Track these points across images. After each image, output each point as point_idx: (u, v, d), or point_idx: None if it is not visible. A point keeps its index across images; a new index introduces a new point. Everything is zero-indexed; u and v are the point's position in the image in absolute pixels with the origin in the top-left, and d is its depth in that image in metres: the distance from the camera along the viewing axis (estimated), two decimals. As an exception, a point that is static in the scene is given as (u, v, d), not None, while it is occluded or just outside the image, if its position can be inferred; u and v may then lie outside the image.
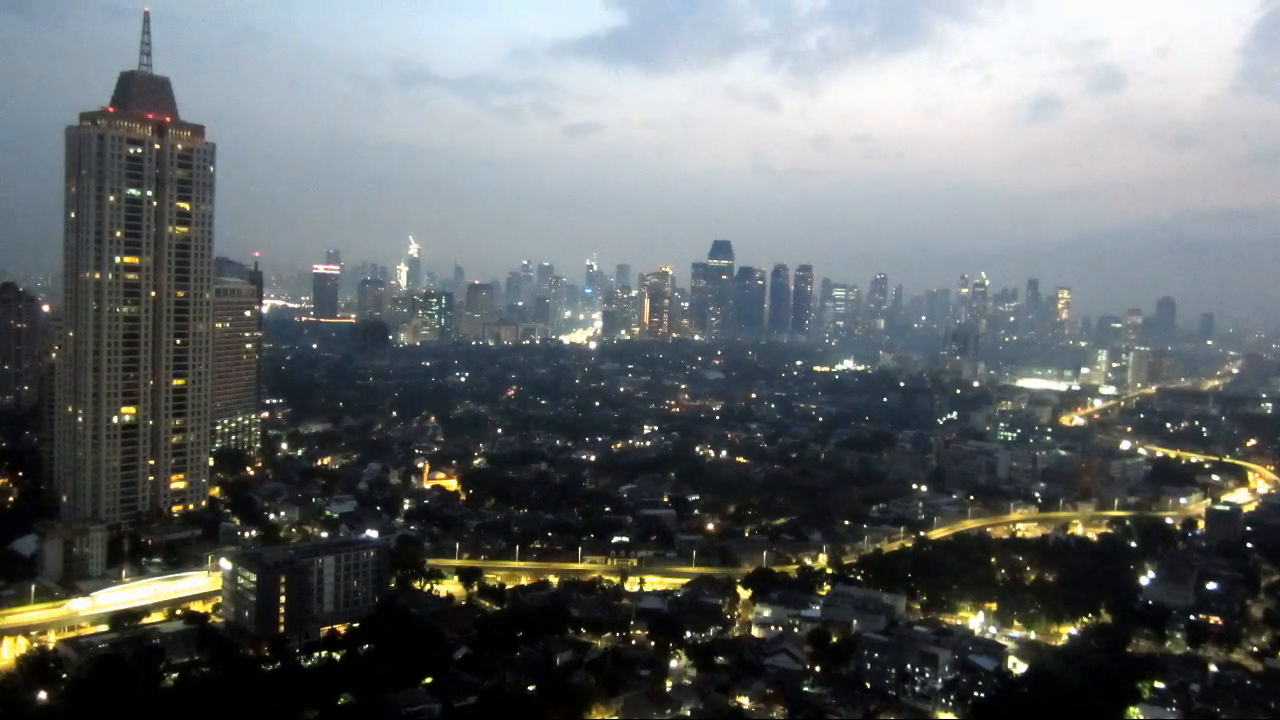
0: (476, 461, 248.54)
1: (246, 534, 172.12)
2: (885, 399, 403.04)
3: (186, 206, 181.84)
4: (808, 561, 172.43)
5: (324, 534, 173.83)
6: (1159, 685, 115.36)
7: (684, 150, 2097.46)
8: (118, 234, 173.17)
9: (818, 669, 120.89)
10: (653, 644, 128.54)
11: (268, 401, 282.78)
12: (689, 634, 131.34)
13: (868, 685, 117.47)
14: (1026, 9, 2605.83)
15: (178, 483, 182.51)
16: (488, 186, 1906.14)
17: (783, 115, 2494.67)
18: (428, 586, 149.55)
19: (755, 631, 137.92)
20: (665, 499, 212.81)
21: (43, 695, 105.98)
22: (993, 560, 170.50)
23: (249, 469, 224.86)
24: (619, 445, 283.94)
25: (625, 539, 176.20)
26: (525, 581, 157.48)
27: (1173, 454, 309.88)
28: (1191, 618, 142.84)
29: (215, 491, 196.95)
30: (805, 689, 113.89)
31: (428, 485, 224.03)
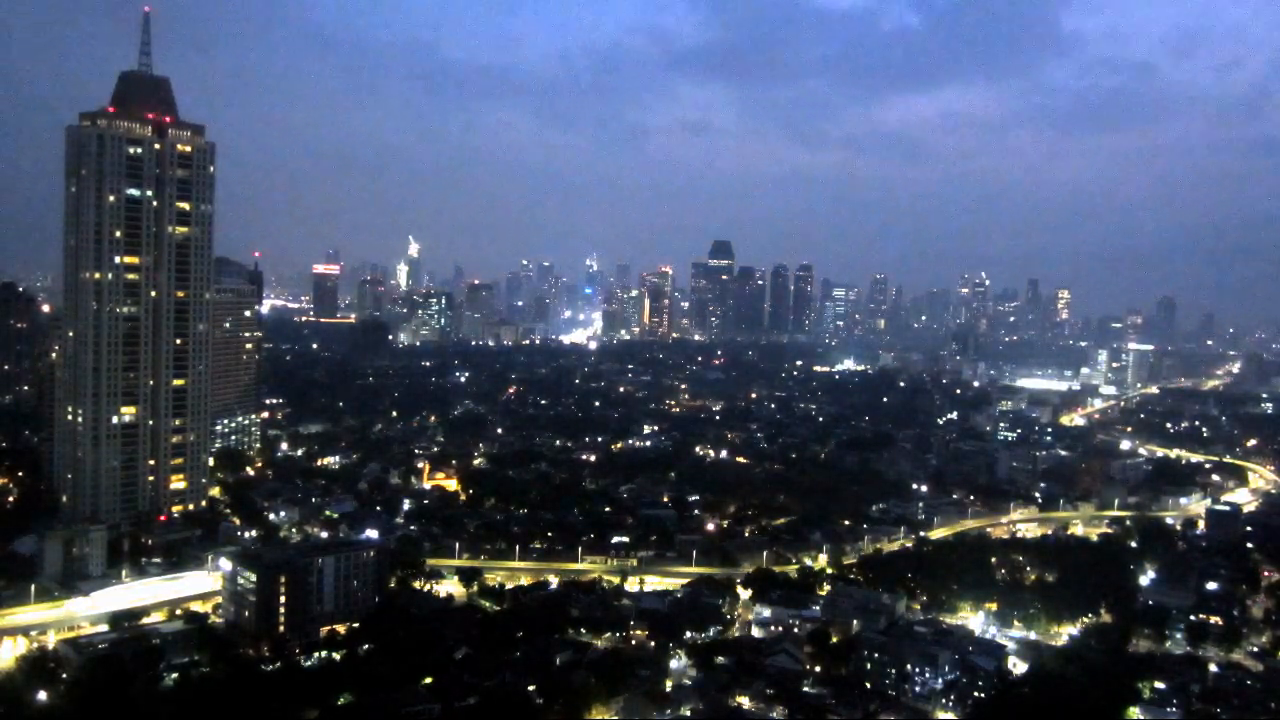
0: (476, 461, 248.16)
1: (246, 534, 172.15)
2: (885, 399, 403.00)
3: (186, 206, 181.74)
4: (808, 561, 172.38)
5: (324, 534, 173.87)
6: (1159, 685, 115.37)
7: (717, 155, 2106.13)
8: (118, 234, 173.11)
9: (818, 669, 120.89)
10: (653, 644, 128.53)
11: (268, 401, 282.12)
12: (689, 634, 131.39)
13: (868, 685, 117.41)
14: (1087, 26, 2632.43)
15: (178, 483, 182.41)
16: (508, 188, 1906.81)
17: (832, 124, 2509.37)
18: (428, 586, 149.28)
19: (755, 631, 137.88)
20: (665, 499, 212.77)
21: (42, 695, 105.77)
22: (993, 560, 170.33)
23: (249, 469, 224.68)
24: (619, 445, 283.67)
25: (625, 539, 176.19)
26: (525, 581, 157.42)
27: (1173, 454, 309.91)
28: (1191, 618, 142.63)
29: (215, 491, 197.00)
30: (805, 689, 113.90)
31: (428, 485, 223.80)
